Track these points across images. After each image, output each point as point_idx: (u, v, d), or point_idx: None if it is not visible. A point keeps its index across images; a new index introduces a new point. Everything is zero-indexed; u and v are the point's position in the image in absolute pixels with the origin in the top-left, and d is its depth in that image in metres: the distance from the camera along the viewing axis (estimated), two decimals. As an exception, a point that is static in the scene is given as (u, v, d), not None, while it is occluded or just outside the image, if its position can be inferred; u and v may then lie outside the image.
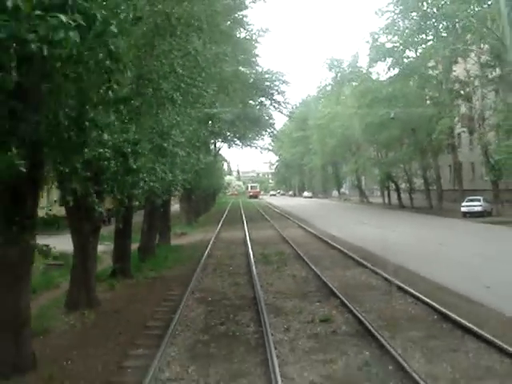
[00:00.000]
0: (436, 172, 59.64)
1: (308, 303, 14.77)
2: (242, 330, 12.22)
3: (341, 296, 14.77)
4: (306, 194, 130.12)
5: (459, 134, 57.96)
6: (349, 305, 13.68)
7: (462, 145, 60.76)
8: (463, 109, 52.85)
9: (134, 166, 12.41)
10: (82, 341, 11.97)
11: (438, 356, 9.84)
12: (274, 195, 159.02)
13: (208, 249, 27.20)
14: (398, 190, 68.64)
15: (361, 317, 12.40)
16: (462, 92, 52.12)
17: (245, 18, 43.71)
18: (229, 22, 35.74)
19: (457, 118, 52.29)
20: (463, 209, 46.82)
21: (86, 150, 9.05)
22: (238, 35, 44.15)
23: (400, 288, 15.80)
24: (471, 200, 47.72)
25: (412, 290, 15.24)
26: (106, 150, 10.62)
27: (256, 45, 50.05)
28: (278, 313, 13.68)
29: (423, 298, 14.28)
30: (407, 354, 9.73)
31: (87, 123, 8.26)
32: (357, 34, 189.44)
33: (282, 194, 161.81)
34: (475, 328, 10.97)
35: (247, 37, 48.08)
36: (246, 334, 11.95)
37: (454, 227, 38.30)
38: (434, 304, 13.42)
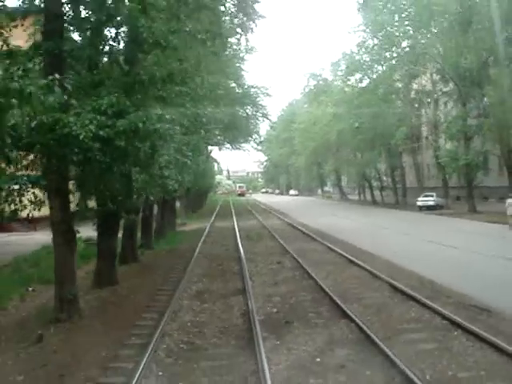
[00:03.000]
0: (401, 172, 68.85)
1: (272, 257, 23.70)
2: (231, 268, 21.27)
3: (293, 253, 23.58)
4: (292, 192, 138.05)
5: (426, 137, 66.05)
6: (296, 257, 22.45)
7: (424, 148, 69.47)
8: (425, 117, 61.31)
9: (166, 173, 20.72)
10: (136, 274, 20.65)
11: (334, 273, 18.54)
12: (266, 192, 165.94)
13: (205, 232, 36.02)
14: (370, 187, 77.74)
15: (300, 261, 21.20)
16: (416, 105, 60.59)
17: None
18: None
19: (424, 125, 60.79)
20: (419, 203, 55.42)
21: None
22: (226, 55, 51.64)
23: (333, 250, 24.57)
24: (426, 196, 56.37)
25: (340, 251, 23.92)
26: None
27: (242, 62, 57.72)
28: (252, 261, 22.50)
29: (343, 253, 23.11)
30: (319, 275, 18.32)
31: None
32: (336, 44, 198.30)
33: (271, 193, 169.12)
34: (360, 263, 19.84)
35: (235, 56, 55.91)
36: (232, 269, 20.96)
37: (404, 217, 46.98)
38: (349, 257, 22.10)
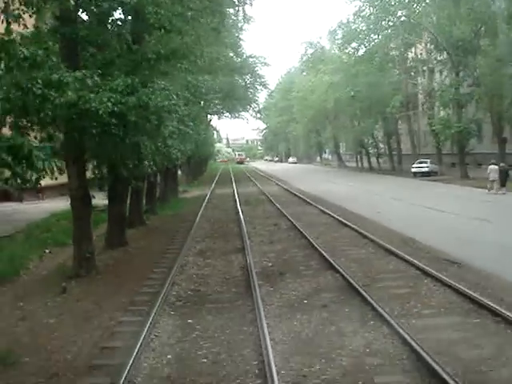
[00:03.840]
0: (397, 139, 70.36)
1: (269, 220, 25.47)
2: (231, 229, 23.09)
3: (289, 216, 25.26)
4: (290, 159, 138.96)
5: (422, 105, 67.09)
6: (291, 219, 24.17)
7: (420, 116, 70.72)
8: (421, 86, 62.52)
9: (170, 143, 22.29)
10: (143, 237, 22.37)
11: (325, 233, 20.25)
12: (271, 160, 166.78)
13: (206, 198, 37.73)
14: (368, 154, 79.21)
15: (295, 223, 22.91)
16: (412, 74, 61.82)
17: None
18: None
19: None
20: (413, 169, 56.83)
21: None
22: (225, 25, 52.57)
23: (326, 213, 26.28)
24: (420, 162, 57.79)
25: (333, 214, 25.61)
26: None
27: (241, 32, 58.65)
28: (250, 223, 24.26)
29: (335, 216, 24.82)
30: (311, 235, 20.00)
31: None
32: (333, 12, 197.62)
33: (270, 160, 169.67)
34: (351, 224, 21.56)
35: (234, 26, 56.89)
36: (232, 230, 22.81)
37: (398, 183, 48.62)
38: (341, 219, 23.79)
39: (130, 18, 17.00)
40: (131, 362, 8.26)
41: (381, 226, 21.80)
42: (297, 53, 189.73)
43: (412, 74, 62.95)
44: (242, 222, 24.18)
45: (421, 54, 60.29)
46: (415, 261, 14.62)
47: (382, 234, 19.74)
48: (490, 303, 10.40)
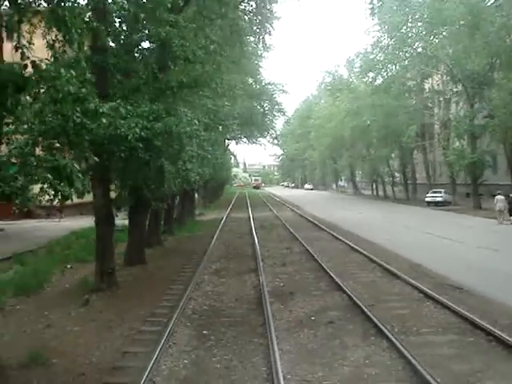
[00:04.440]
0: (412, 168, 71.15)
1: (282, 244, 26.33)
2: (245, 251, 23.97)
3: (302, 241, 26.11)
4: (307, 186, 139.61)
5: (439, 134, 67.70)
6: (304, 244, 24.98)
7: (436, 146, 71.33)
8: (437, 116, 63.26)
9: (189, 166, 23.22)
10: (161, 256, 23.29)
11: (336, 257, 21.02)
12: (288, 187, 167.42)
13: (222, 222, 38.65)
14: (383, 183, 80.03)
15: (307, 247, 23.71)
16: (429, 104, 62.72)
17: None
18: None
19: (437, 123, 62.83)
20: (427, 199, 57.51)
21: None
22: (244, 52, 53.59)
23: (338, 239, 27.06)
24: (434, 192, 58.42)
25: (345, 239, 26.38)
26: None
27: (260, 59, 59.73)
28: (264, 246, 25.10)
29: (347, 241, 25.59)
30: (323, 259, 20.78)
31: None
32: (351, 40, 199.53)
33: (286, 186, 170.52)
34: (361, 250, 22.34)
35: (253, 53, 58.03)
36: (247, 253, 23.65)
37: (412, 212, 49.21)
38: (352, 245, 24.57)
39: (156, 47, 18.04)
40: (151, 364, 9.12)
41: (390, 252, 22.53)
42: (315, 80, 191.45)
43: (429, 104, 63.77)
44: (256, 244, 25.05)
45: (437, 84, 61.22)
46: (419, 285, 15.37)
47: (391, 259, 20.48)
48: (485, 324, 11.15)
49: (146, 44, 18.29)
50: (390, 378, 8.81)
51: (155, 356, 9.52)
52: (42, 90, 7.92)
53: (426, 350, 9.91)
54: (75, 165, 8.46)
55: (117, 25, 17.18)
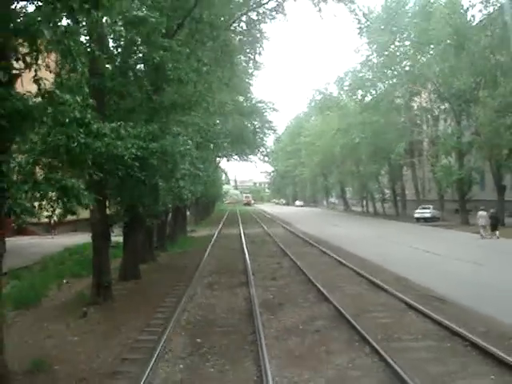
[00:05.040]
0: (401, 185, 72.15)
1: (272, 259, 27.02)
2: (236, 266, 24.60)
3: (291, 256, 26.81)
4: (297, 202, 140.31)
5: (427, 151, 68.67)
6: (294, 259, 25.69)
7: (425, 162, 72.26)
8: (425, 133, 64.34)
9: (182, 184, 23.93)
10: (155, 271, 23.93)
11: (325, 271, 21.71)
12: (278, 203, 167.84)
13: (214, 238, 39.33)
14: (372, 199, 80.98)
15: (297, 262, 24.43)
16: (418, 121, 63.82)
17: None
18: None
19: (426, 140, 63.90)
20: (416, 215, 58.23)
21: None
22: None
23: (327, 254, 27.78)
24: (423, 208, 59.28)
25: (333, 254, 27.10)
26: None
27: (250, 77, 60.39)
28: (255, 261, 25.80)
29: (335, 256, 26.32)
30: (311, 273, 21.45)
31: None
32: (341, 58, 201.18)
33: (277, 203, 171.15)
34: (349, 264, 23.05)
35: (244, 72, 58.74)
36: (238, 267, 24.27)
37: (400, 228, 50.03)
38: (340, 259, 25.26)
39: (150, 70, 18.79)
40: (149, 369, 9.77)
41: (377, 266, 23.22)
42: (305, 98, 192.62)
43: (417, 121, 64.79)
44: (247, 259, 25.74)
45: (426, 102, 62.24)
46: (403, 296, 16.09)
47: (378, 273, 21.17)
48: (462, 331, 11.87)
49: (140, 66, 19.03)
50: (372, 379, 9.50)
51: (152, 361, 10.17)
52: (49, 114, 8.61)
53: (406, 355, 10.61)
54: (80, 183, 9.14)
55: (112, 49, 17.96)
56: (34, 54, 7.24)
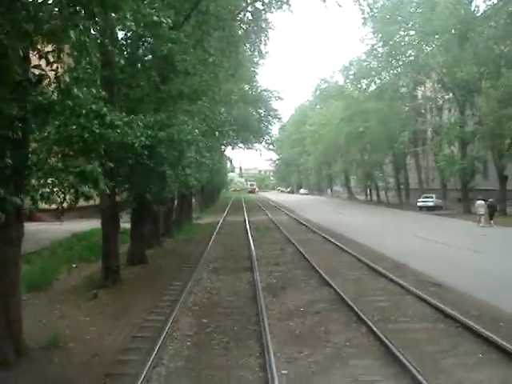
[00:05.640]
0: (404, 173, 72.63)
1: (276, 245, 27.69)
2: (241, 252, 25.28)
3: (295, 243, 27.41)
4: (302, 191, 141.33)
5: (431, 140, 69.24)
6: (297, 245, 26.33)
7: (429, 151, 72.69)
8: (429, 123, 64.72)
9: (188, 172, 24.47)
10: (161, 256, 24.61)
11: (327, 258, 22.33)
12: (283, 192, 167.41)
13: (219, 225, 39.99)
14: (376, 188, 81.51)
15: (300, 248, 25.05)
16: (422, 111, 64.18)
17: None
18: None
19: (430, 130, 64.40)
20: (419, 204, 58.85)
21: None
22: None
23: (330, 241, 28.39)
24: (426, 197, 59.79)
25: (336, 242, 27.69)
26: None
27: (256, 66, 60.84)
28: (259, 247, 26.45)
29: (338, 243, 26.94)
30: (314, 259, 22.05)
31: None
32: (348, 45, 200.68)
33: (282, 191, 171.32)
34: (351, 251, 23.68)
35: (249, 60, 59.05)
36: (242, 253, 24.96)
37: (403, 216, 50.69)
38: (342, 246, 25.87)
39: (158, 61, 19.32)
40: (158, 345, 10.41)
41: (378, 253, 23.84)
42: (310, 86, 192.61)
43: (421, 111, 65.16)
44: (252, 246, 26.35)
45: (430, 91, 62.60)
46: (402, 282, 16.70)
47: (378, 259, 21.79)
48: (456, 314, 12.49)
49: (148, 57, 19.54)
50: (367, 356, 10.13)
51: (161, 339, 10.81)
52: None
53: (401, 335, 11.23)
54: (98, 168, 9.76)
55: (121, 41, 18.48)
56: (57, 52, 7.79)
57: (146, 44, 18.62)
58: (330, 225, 38.51)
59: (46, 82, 8.32)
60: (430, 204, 57.91)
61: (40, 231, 33.80)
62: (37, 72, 8.16)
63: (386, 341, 10.52)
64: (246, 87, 59.57)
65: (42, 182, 10.59)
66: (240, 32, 31.91)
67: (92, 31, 9.24)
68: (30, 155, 10.62)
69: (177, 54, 17.15)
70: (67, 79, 8.04)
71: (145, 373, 9.00)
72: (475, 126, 49.72)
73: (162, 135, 15.63)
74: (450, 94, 55.11)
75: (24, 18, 7.08)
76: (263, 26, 36.66)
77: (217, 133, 43.86)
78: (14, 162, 8.24)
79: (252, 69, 56.77)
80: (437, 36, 52.33)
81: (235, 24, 28.38)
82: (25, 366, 10.00)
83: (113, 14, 8.58)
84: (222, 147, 66.82)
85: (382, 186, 79.59)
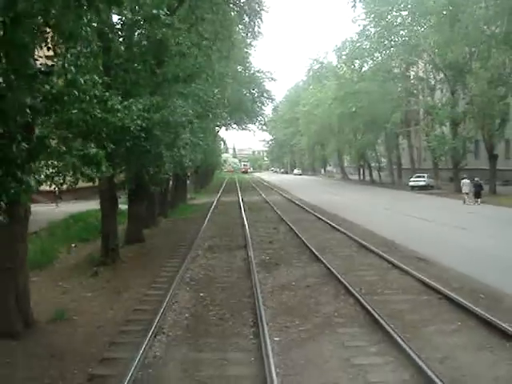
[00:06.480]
0: (397, 153, 73.32)
1: (269, 224, 28.46)
2: (235, 231, 26.02)
3: (288, 222, 28.11)
4: (296, 171, 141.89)
5: (423, 120, 69.79)
6: (290, 225, 27.01)
7: (421, 132, 73.25)
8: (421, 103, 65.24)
9: (183, 153, 25.06)
10: (158, 235, 25.31)
11: (318, 236, 23.05)
12: (277, 172, 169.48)
13: (213, 205, 40.66)
14: (369, 168, 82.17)
15: (293, 227, 25.76)
16: (414, 91, 64.73)
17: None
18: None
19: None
20: (411, 183, 59.74)
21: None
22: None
23: (322, 220, 29.11)
24: (418, 176, 60.62)
25: (328, 220, 28.41)
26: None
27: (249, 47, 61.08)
28: (253, 226, 27.14)
29: (329, 222, 27.66)
30: (306, 237, 22.76)
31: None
32: (340, 26, 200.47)
33: (275, 172, 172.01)
34: (342, 229, 24.41)
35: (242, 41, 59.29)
36: (237, 232, 25.70)
37: (395, 196, 51.33)
38: (334, 224, 26.57)
39: (153, 46, 19.83)
40: (159, 317, 11.12)
41: (368, 231, 24.58)
42: (303, 67, 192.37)
43: (414, 91, 65.69)
44: (246, 225, 27.04)
45: (422, 72, 63.07)
46: (389, 257, 17.45)
47: (368, 237, 22.52)
48: (439, 287, 13.23)
49: (144, 42, 20.03)
50: (354, 324, 10.88)
51: (161, 310, 11.52)
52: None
53: (386, 305, 11.96)
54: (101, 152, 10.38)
55: (117, 25, 18.96)
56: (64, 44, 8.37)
57: (141, 29, 19.07)
58: (322, 204, 39.25)
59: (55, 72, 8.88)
60: (422, 183, 58.75)
61: (37, 213, 33.80)
62: (49, 63, 8.71)
63: (372, 311, 11.24)
64: (240, 68, 59.90)
65: (44, 163, 11.13)
66: (233, 14, 32.41)
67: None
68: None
69: (171, 38, 17.65)
70: (73, 69, 8.58)
71: (147, 340, 9.70)
72: (466, 107, 50.30)
73: (157, 117, 16.21)
74: (442, 75, 55.63)
75: (36, 12, 7.65)
76: (257, 7, 37.13)
77: (211, 114, 44.62)
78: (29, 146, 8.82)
79: (245, 50, 57.14)
80: (428, 17, 52.83)
81: (228, 7, 28.84)
82: (33, 337, 10.69)
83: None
84: (216, 128, 67.56)
85: (375, 165, 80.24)
